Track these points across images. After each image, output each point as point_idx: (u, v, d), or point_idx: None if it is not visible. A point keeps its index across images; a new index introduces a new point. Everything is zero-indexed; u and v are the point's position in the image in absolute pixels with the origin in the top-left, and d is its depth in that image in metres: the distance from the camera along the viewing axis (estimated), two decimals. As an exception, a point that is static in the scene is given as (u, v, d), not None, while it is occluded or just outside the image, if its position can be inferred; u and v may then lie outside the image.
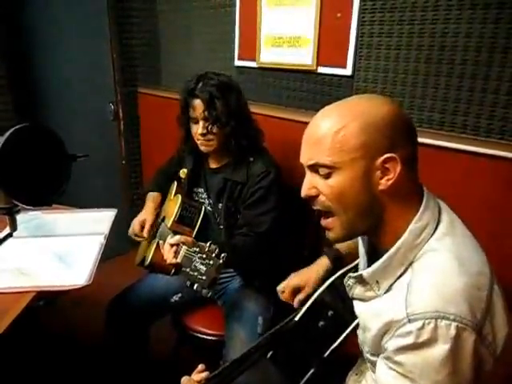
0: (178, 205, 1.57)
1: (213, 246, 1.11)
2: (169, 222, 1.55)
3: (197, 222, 1.55)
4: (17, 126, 0.89)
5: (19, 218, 1.44)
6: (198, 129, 1.47)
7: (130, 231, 1.61)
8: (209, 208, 1.61)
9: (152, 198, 1.73)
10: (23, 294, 1.07)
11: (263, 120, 1.66)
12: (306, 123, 1.85)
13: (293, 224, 1.67)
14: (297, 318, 1.02)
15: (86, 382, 1.73)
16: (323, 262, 1.20)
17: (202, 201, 1.63)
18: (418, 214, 0.77)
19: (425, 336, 0.67)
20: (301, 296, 1.14)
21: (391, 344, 0.73)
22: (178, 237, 1.21)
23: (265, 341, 1.02)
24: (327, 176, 0.78)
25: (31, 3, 2.19)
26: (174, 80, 2.46)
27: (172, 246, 1.19)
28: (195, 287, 1.12)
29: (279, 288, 1.20)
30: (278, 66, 1.86)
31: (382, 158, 0.74)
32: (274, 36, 1.84)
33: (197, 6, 2.20)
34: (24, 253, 1.22)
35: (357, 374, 0.99)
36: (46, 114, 2.34)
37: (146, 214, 1.64)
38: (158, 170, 1.83)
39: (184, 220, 1.56)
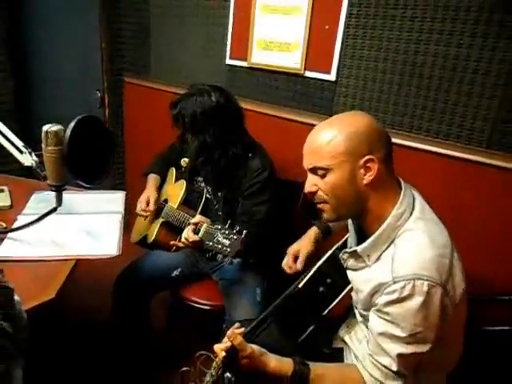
0: (183, 189, 1.75)
1: (231, 224, 1.32)
2: (175, 204, 1.73)
3: (199, 205, 1.74)
4: (78, 117, 1.05)
5: (41, 196, 1.58)
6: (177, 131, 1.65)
7: (138, 208, 1.77)
8: (207, 195, 1.79)
9: (153, 179, 1.90)
10: (63, 262, 1.22)
11: (252, 115, 1.85)
12: (292, 120, 2.08)
13: (282, 210, 1.89)
14: (300, 286, 1.25)
15: (94, 352, 1.87)
16: (313, 231, 1.46)
17: (202, 188, 1.81)
18: (398, 202, 1.02)
19: (406, 292, 0.92)
20: (301, 258, 1.37)
21: (380, 300, 0.98)
22: (199, 216, 1.41)
23: (278, 305, 1.23)
24: (323, 176, 1.02)
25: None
26: (164, 72, 2.59)
27: (194, 224, 1.39)
28: (218, 257, 1.32)
29: (284, 261, 1.41)
30: (268, 68, 2.07)
31: (363, 159, 0.99)
32: (266, 40, 2.04)
33: (189, 2, 2.34)
34: (53, 228, 1.35)
35: (348, 327, 1.25)
36: (37, 99, 2.41)
37: (150, 192, 1.81)
38: (159, 155, 1.98)
39: (189, 203, 1.75)
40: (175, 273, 1.75)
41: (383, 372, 0.97)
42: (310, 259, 1.36)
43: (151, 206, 1.75)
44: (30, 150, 1.17)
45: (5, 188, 1.60)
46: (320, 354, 1.25)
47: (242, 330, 1.07)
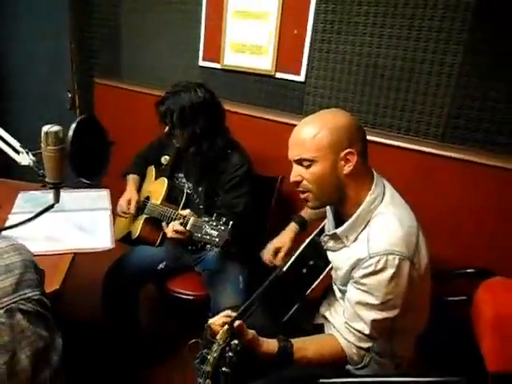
0: (165, 186, 1.83)
1: (218, 217, 1.41)
2: (158, 200, 1.81)
3: (181, 201, 1.82)
4: (78, 118, 1.12)
5: (26, 196, 1.61)
6: (165, 128, 1.73)
7: (118, 209, 1.83)
8: (188, 191, 1.87)
9: (133, 179, 1.96)
10: (61, 256, 1.27)
11: (226, 114, 1.96)
12: (264, 119, 2.20)
13: (258, 203, 2.01)
14: (284, 269, 1.38)
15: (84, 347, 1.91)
16: (292, 226, 1.59)
17: (182, 184, 1.90)
18: (371, 189, 1.16)
19: (380, 265, 1.07)
20: (281, 254, 1.49)
21: (358, 273, 1.12)
22: (187, 210, 1.50)
23: (264, 290, 1.34)
24: (308, 166, 1.15)
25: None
26: (135, 73, 2.64)
27: (182, 217, 1.47)
28: (207, 247, 1.41)
29: (264, 254, 1.53)
30: (241, 69, 2.18)
31: (344, 152, 1.12)
32: (238, 43, 2.15)
33: (162, 4, 2.40)
34: (46, 225, 1.39)
35: (328, 304, 1.38)
36: (7, 99, 2.39)
37: (131, 194, 1.87)
38: (138, 155, 2.04)
39: (171, 199, 1.83)
40: (160, 266, 1.82)
41: (356, 336, 1.12)
42: (289, 255, 1.48)
43: (132, 208, 1.82)
44: (27, 150, 1.22)
45: (-11, 189, 1.62)
46: (302, 331, 1.38)
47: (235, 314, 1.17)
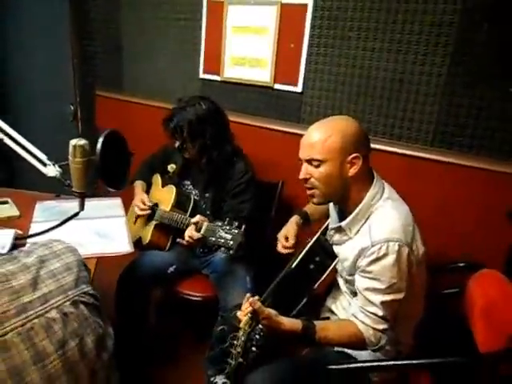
0: (174, 193, 1.93)
1: (230, 221, 1.52)
2: (167, 207, 1.91)
3: (189, 207, 1.93)
4: (105, 132, 1.22)
5: (44, 206, 1.70)
6: (175, 143, 1.85)
7: (137, 209, 1.93)
8: (195, 197, 1.98)
9: (141, 185, 2.08)
10: (86, 261, 1.36)
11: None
12: (263, 128, 2.31)
13: (260, 208, 2.12)
14: (293, 266, 1.49)
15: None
16: (295, 218, 1.69)
17: (190, 191, 2.00)
18: (372, 186, 1.29)
19: (382, 252, 1.19)
20: (290, 238, 1.57)
21: (363, 262, 1.23)
22: (198, 216, 1.61)
23: (275, 286, 1.44)
24: (317, 166, 1.27)
25: (3, 9, 2.32)
26: (136, 85, 2.74)
27: (195, 223, 1.58)
28: (221, 250, 1.51)
29: (279, 247, 1.60)
30: (240, 81, 2.30)
31: (351, 156, 1.25)
32: (237, 56, 2.27)
33: (162, 19, 2.51)
34: (68, 231, 1.48)
35: (333, 298, 1.50)
36: (12, 113, 2.47)
37: (142, 196, 1.98)
38: (144, 163, 2.14)
39: (179, 206, 1.93)
40: (170, 269, 1.92)
41: (372, 319, 1.23)
42: (297, 238, 1.58)
43: (148, 204, 1.92)
44: (53, 162, 1.31)
45: (8, 200, 1.70)
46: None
47: (257, 297, 1.26)
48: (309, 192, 1.33)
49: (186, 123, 1.74)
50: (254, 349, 1.10)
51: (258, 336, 1.11)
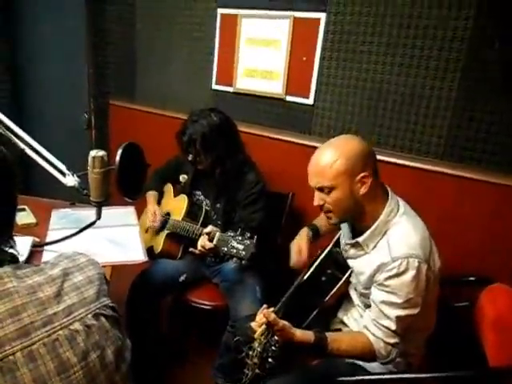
0: (186, 203, 1.96)
1: (242, 231, 1.54)
2: (179, 216, 1.94)
3: (200, 217, 1.95)
4: (124, 144, 1.25)
5: (60, 214, 1.74)
6: (187, 156, 1.88)
7: (148, 223, 1.96)
8: (206, 207, 2.00)
9: (153, 195, 2.11)
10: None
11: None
12: (275, 139, 2.33)
13: (271, 219, 2.14)
14: (305, 277, 1.50)
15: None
16: (306, 232, 1.70)
17: (201, 201, 2.03)
18: (388, 203, 1.31)
19: (402, 268, 1.20)
20: (304, 253, 1.58)
21: (382, 276, 1.24)
22: (211, 227, 1.63)
23: (288, 298, 1.45)
24: (328, 192, 1.29)
25: (22, 22, 2.39)
26: (149, 95, 2.79)
27: (207, 233, 1.60)
28: (233, 261, 1.54)
29: (292, 258, 1.62)
30: (253, 93, 2.34)
31: (360, 176, 1.26)
32: (250, 68, 2.31)
33: (176, 31, 2.56)
34: (83, 240, 1.51)
35: (345, 310, 1.52)
36: (28, 121, 2.52)
37: (154, 207, 2.02)
38: (156, 172, 2.17)
39: (191, 215, 1.96)
40: (182, 278, 1.94)
41: (384, 332, 1.25)
42: (309, 251, 1.59)
43: (158, 218, 1.95)
44: (72, 172, 1.35)
45: (25, 207, 1.74)
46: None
47: (272, 309, 1.29)
48: (325, 215, 1.35)
49: (199, 136, 1.78)
50: (270, 360, 1.11)
51: (273, 347, 1.12)
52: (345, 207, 1.29)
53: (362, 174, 1.25)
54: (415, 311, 1.22)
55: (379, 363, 1.28)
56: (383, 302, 1.24)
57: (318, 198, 1.31)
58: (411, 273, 1.19)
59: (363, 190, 1.26)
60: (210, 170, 1.87)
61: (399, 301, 1.21)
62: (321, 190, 1.30)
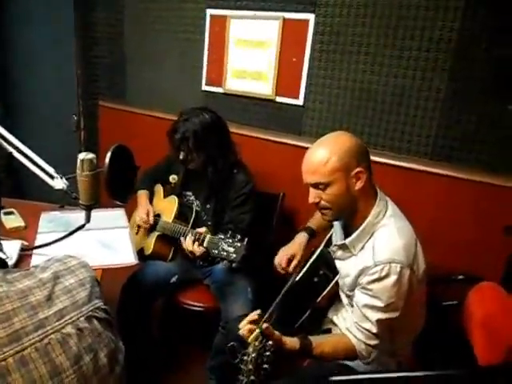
0: (176, 204, 1.95)
1: (233, 234, 1.54)
2: (170, 218, 1.93)
3: (191, 218, 1.95)
4: (112, 147, 1.25)
5: (49, 217, 1.72)
6: (179, 155, 1.86)
7: (141, 221, 1.95)
8: (197, 208, 2.00)
9: (145, 194, 2.09)
10: (91, 272, 1.38)
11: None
12: (265, 139, 2.33)
13: (261, 219, 2.15)
14: (297, 279, 1.51)
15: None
16: (302, 236, 1.69)
17: (191, 202, 2.02)
18: (376, 204, 1.31)
19: (384, 273, 1.21)
20: (294, 262, 1.59)
21: (365, 279, 1.25)
22: (203, 228, 1.63)
23: (280, 300, 1.44)
24: (324, 189, 1.28)
25: (9, 23, 2.36)
26: (139, 97, 2.78)
27: (198, 234, 1.60)
28: (223, 263, 1.53)
29: (277, 261, 1.63)
30: (242, 94, 2.34)
31: (355, 171, 1.26)
32: (239, 69, 2.31)
33: (166, 32, 2.55)
34: (73, 243, 1.50)
35: (335, 310, 1.52)
36: (16, 124, 2.50)
37: (147, 206, 2.00)
38: (146, 173, 2.15)
39: (181, 217, 1.95)
40: (173, 280, 1.94)
41: (365, 334, 1.26)
42: (301, 263, 1.59)
43: (151, 218, 1.94)
44: (61, 175, 1.34)
45: (14, 210, 1.72)
46: (311, 335, 1.51)
47: (259, 311, 1.26)
48: (321, 212, 1.35)
49: (191, 134, 1.77)
50: (265, 366, 1.11)
51: (268, 353, 1.12)
52: (341, 203, 1.28)
53: (357, 169, 1.25)
54: (395, 314, 1.23)
55: (362, 363, 1.29)
56: (366, 306, 1.25)
57: (313, 195, 1.30)
58: (393, 277, 1.19)
59: (359, 185, 1.26)
60: (202, 169, 1.86)
61: (381, 304, 1.22)
62: (316, 186, 1.29)
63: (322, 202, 1.30)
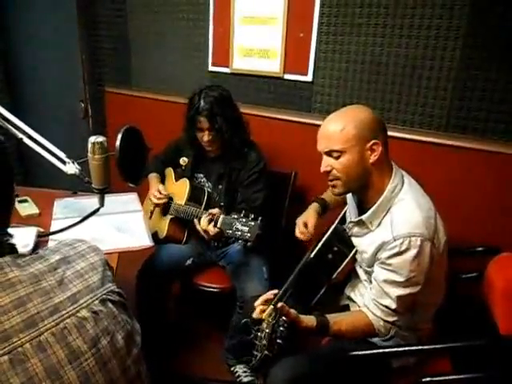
0: (188, 186, 1.94)
1: (246, 213, 1.53)
2: (182, 200, 1.92)
3: (203, 200, 1.93)
4: (122, 129, 1.23)
5: (62, 203, 1.73)
6: (203, 136, 1.84)
7: (154, 198, 1.93)
8: (208, 190, 1.99)
9: (155, 177, 2.08)
10: (108, 256, 1.38)
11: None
12: (274, 118, 2.30)
13: (273, 198, 2.13)
14: (312, 255, 1.49)
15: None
16: (315, 206, 1.68)
17: (203, 184, 2.01)
18: (391, 178, 1.28)
19: (404, 247, 1.19)
20: (310, 225, 1.57)
21: (384, 254, 1.24)
22: (216, 209, 1.62)
23: (295, 277, 1.44)
24: (337, 157, 1.26)
25: (12, 8, 2.34)
26: (145, 80, 2.75)
27: (211, 215, 1.59)
28: (239, 242, 1.52)
29: (296, 230, 1.59)
30: (250, 73, 2.30)
31: (370, 143, 1.24)
32: (246, 48, 2.26)
33: (170, 13, 2.50)
34: (88, 228, 1.50)
35: (352, 286, 1.51)
36: (25, 113, 2.49)
37: (158, 185, 1.99)
38: (156, 157, 2.14)
39: (193, 199, 1.94)
40: (188, 262, 1.94)
41: (383, 311, 1.25)
42: (316, 227, 1.57)
43: (164, 193, 1.93)
44: (72, 160, 1.33)
45: (28, 198, 1.73)
46: (329, 313, 1.51)
47: (276, 291, 1.27)
48: (330, 183, 1.32)
49: (214, 103, 1.77)
50: (279, 341, 1.11)
51: (282, 328, 1.12)
52: (353, 174, 1.26)
53: (372, 141, 1.23)
54: (416, 289, 1.21)
55: (380, 340, 1.29)
56: (385, 281, 1.24)
57: (325, 164, 1.28)
58: (413, 251, 1.17)
59: (373, 158, 1.24)
60: (221, 151, 1.85)
61: (401, 279, 1.20)
62: (329, 154, 1.27)
63: (334, 172, 1.28)
